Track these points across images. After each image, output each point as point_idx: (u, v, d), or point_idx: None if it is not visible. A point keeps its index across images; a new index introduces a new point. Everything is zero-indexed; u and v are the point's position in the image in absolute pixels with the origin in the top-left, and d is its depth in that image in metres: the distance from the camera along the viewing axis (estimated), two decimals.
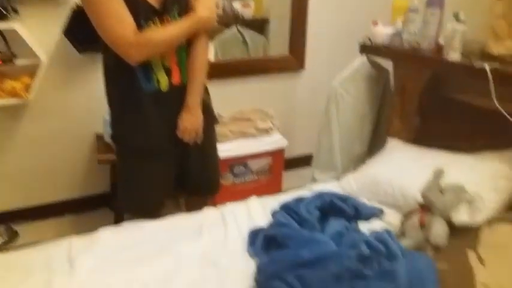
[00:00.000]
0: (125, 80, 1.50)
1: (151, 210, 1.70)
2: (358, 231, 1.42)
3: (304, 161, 2.66)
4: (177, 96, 1.55)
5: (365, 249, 1.23)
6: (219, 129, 2.35)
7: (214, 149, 1.80)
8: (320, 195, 1.52)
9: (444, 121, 1.89)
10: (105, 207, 2.49)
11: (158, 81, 1.51)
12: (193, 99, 1.54)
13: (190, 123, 1.55)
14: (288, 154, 2.74)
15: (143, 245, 1.57)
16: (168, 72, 1.52)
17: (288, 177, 2.70)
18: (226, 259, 1.48)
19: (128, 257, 1.49)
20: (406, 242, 1.42)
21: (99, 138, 2.29)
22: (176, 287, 1.36)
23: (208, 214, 1.76)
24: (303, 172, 2.61)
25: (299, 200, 1.56)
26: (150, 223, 1.69)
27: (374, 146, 2.17)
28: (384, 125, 2.16)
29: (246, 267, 1.43)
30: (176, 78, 1.53)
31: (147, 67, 1.48)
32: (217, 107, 2.27)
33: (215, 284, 1.38)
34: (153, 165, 1.61)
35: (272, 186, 2.53)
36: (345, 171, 2.07)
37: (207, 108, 1.65)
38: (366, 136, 2.17)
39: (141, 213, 1.69)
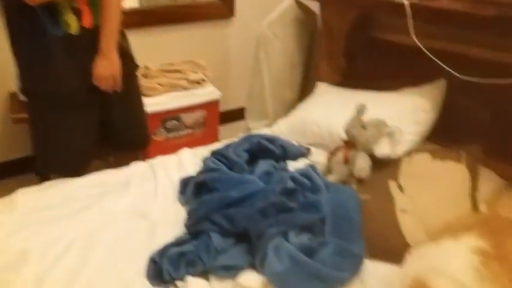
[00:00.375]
0: (28, 25, 1.36)
1: (74, 167, 1.60)
2: (286, 170, 1.43)
3: (240, 113, 2.63)
4: (91, 40, 1.43)
5: (290, 184, 1.24)
6: (147, 82, 2.25)
7: (139, 100, 1.72)
8: (248, 138, 1.51)
9: (370, 61, 1.92)
10: (29, 173, 2.33)
11: (67, 24, 1.38)
12: (108, 43, 1.43)
13: (105, 69, 1.45)
14: (224, 107, 2.70)
15: (67, 202, 1.49)
16: (78, 14, 1.39)
17: (225, 130, 2.67)
18: (157, 210, 1.45)
19: (51, 216, 1.41)
20: (331, 178, 1.46)
21: (13, 96, 2.10)
22: (104, 242, 1.31)
23: (137, 167, 1.69)
24: (240, 125, 2.58)
25: (228, 145, 1.53)
26: (74, 181, 1.60)
27: (305, 92, 2.18)
28: (313, 71, 2.16)
29: (177, 215, 1.40)
30: (87, 20, 1.41)
31: (52, 9, 1.35)
32: (144, 59, 2.15)
33: (145, 235, 1.34)
34: (71, 117, 1.51)
35: (208, 140, 2.48)
36: (277, 118, 2.07)
37: (125, 54, 1.54)
38: (296, 82, 2.17)
39: (63, 172, 1.59)
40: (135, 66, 1.68)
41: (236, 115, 2.82)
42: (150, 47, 2.34)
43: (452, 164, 1.39)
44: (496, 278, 0.90)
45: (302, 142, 1.73)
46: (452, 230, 0.98)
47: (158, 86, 2.27)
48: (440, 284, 0.88)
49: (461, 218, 1.11)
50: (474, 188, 1.37)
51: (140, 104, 1.73)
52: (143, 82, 2.23)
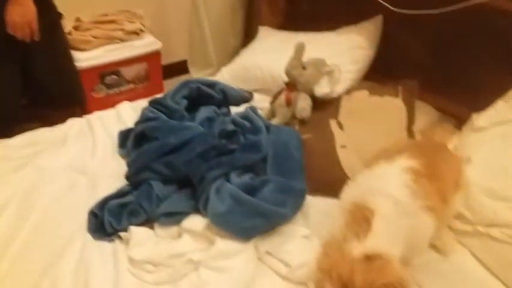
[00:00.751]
0: None
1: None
2: (228, 115, 1.41)
3: (185, 66, 2.54)
4: None
5: (230, 126, 1.22)
6: (79, 35, 2.10)
7: (65, 52, 1.61)
8: (185, 84, 1.45)
9: (310, 1, 1.89)
10: None
11: None
12: None
13: (18, 15, 1.32)
14: (166, 60, 2.58)
15: None
16: None
17: (169, 85, 2.56)
18: (96, 165, 1.40)
19: None
20: (275, 121, 1.46)
21: None
22: (42, 201, 1.26)
23: (73, 124, 1.62)
24: (185, 78, 2.50)
25: (166, 94, 1.48)
26: (5, 141, 1.50)
27: (248, 37, 2.12)
28: (255, 14, 2.10)
29: (117, 169, 1.36)
30: None
31: None
32: (74, 10, 2.00)
33: (85, 191, 1.30)
34: None
35: (152, 95, 2.39)
36: (222, 66, 2.01)
37: (43, 1, 1.41)
38: (238, 27, 2.11)
39: None
40: (57, 15, 1.55)
41: (180, 68, 2.71)
42: None
43: (390, 99, 1.42)
44: (427, 195, 0.94)
45: (247, 89, 1.71)
46: (386, 154, 1.01)
47: (92, 38, 2.12)
48: (378, 202, 0.91)
49: (394, 144, 1.14)
50: (410, 121, 1.42)
51: (67, 57, 1.62)
52: (75, 35, 2.08)
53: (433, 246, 1.17)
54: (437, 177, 0.99)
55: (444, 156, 1.10)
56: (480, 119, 1.30)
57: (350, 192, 1.01)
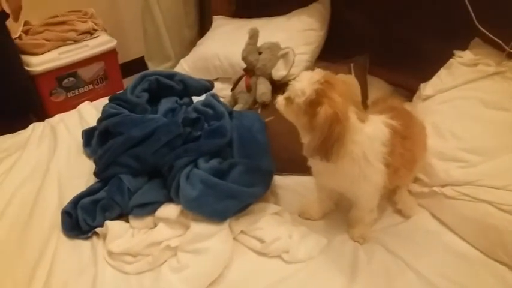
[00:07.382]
0: None
1: None
2: (190, 105, 1.43)
3: (143, 63, 2.53)
4: None
5: (192, 114, 1.25)
6: (30, 39, 2.05)
7: (12, 56, 1.55)
8: (143, 77, 1.46)
9: None
10: None
11: None
12: None
13: None
14: (124, 58, 2.56)
15: None
16: None
17: (129, 83, 2.56)
18: (62, 166, 1.40)
19: None
20: (238, 108, 1.50)
21: None
22: (12, 204, 1.25)
23: (34, 128, 1.60)
24: None
25: (126, 88, 1.49)
26: None
27: (203, 28, 2.15)
28: (208, 4, 2.12)
29: (84, 168, 1.37)
30: None
31: None
32: (25, 15, 1.95)
33: (54, 192, 1.30)
34: None
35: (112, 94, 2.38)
36: (179, 58, 2.02)
37: None
38: (192, 19, 2.12)
39: None
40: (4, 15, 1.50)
41: (138, 65, 2.69)
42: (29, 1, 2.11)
43: (344, 77, 1.49)
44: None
45: (208, 78, 1.73)
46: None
47: (44, 41, 2.07)
48: None
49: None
50: (364, 95, 1.49)
51: (15, 62, 1.57)
52: (26, 39, 2.03)
53: (398, 211, 1.26)
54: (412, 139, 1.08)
55: (415, 121, 1.18)
56: (426, 88, 1.38)
57: None
